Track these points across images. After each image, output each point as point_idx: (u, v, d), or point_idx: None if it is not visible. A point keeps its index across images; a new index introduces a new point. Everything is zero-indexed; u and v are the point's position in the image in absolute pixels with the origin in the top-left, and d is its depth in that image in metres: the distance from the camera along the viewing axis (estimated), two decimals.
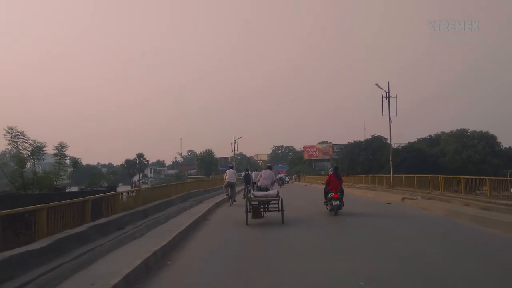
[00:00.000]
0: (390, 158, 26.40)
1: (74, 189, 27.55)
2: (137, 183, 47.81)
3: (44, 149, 20.42)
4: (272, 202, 11.43)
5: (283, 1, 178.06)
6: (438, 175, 17.51)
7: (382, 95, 24.25)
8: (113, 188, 19.77)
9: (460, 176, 15.90)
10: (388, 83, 24.50)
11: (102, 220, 8.85)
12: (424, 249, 7.58)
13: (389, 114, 24.54)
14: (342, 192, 13.55)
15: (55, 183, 21.08)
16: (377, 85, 24.17)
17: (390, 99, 24.18)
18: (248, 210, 11.08)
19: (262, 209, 11.57)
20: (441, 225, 10.74)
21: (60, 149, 24.30)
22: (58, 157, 23.76)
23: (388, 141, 64.46)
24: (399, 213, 13.63)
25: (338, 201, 13.01)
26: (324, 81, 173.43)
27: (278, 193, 11.38)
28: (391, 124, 24.75)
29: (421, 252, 7.27)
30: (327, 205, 13.65)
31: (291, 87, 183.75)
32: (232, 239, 9.10)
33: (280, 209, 10.91)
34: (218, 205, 17.58)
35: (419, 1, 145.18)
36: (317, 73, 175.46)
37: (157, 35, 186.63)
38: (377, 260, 6.57)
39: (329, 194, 13.38)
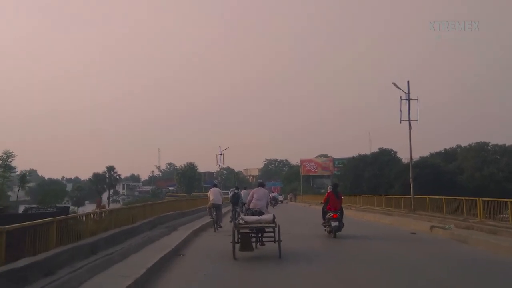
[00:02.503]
0: (411, 175, 24.89)
1: (23, 208, 25.25)
2: (102, 202, 45.41)
3: None
4: (267, 230, 10.44)
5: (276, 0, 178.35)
6: (476, 198, 15.77)
7: (400, 97, 22.79)
8: (66, 210, 17.69)
9: (508, 200, 14.17)
10: (408, 82, 23.01)
11: (21, 263, 6.80)
12: None
13: (409, 120, 23.00)
14: (341, 212, 13.78)
15: None
16: (394, 84, 22.70)
17: (410, 102, 22.50)
18: (236, 240, 10.07)
19: (254, 239, 10.62)
20: (498, 268, 8.87)
21: (5, 160, 22.22)
22: (1, 169, 21.70)
23: (399, 155, 64.88)
24: (433, 248, 11.82)
25: (338, 222, 13.25)
26: (323, 86, 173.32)
27: (274, 218, 10.24)
28: (411, 132, 23.15)
29: None
30: (325, 227, 13.89)
31: (285, 93, 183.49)
32: (213, 284, 7.82)
33: (276, 239, 9.99)
34: (198, 232, 15.89)
35: (426, 2, 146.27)
36: (315, 78, 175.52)
37: (134, 31, 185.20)
38: None
39: (328, 214, 13.60)
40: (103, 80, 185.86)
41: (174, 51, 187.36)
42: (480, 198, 15.58)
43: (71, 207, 63.49)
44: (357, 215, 24.77)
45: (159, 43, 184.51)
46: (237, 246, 10.05)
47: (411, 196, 22.89)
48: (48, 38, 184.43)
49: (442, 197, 19.43)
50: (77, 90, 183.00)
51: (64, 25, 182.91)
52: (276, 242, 9.96)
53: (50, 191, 39.98)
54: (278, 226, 10.03)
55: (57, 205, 22.48)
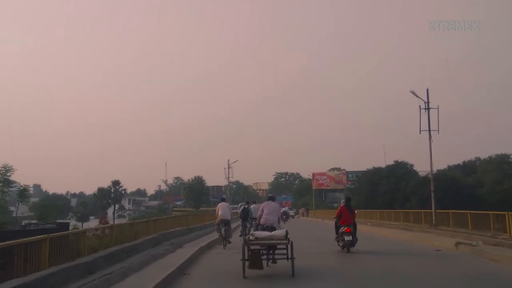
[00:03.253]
0: (432, 188, 24.21)
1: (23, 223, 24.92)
2: (105, 217, 44.93)
3: None
4: (279, 246, 10.13)
5: (286, 5, 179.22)
6: (505, 212, 15.06)
7: (419, 106, 22.25)
8: (66, 225, 17.23)
9: None
10: (428, 90, 22.49)
11: (7, 285, 6.35)
12: None
13: (429, 130, 22.40)
14: (355, 226, 13.93)
15: None
16: (412, 92, 22.27)
17: (430, 111, 21.98)
18: (246, 257, 9.71)
19: (266, 257, 10.27)
20: None
21: (4, 174, 21.98)
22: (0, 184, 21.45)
23: (415, 168, 63.97)
24: (462, 268, 11.09)
25: (351, 236, 13.38)
26: (336, 99, 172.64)
27: (287, 234, 9.94)
28: (431, 143, 22.51)
29: None
30: (338, 241, 14.03)
31: (296, 104, 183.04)
32: None
33: (289, 256, 9.64)
34: (205, 249, 15.42)
35: (440, 4, 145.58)
36: (328, 90, 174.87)
37: (142, 41, 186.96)
38: None
39: (341, 229, 13.75)
40: (109, 93, 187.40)
41: (182, 62, 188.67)
42: (510, 213, 14.86)
43: (75, 223, 63.46)
44: (373, 231, 24.26)
45: (167, 54, 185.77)
46: (247, 263, 9.70)
47: (433, 210, 22.19)
48: (49, 52, 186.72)
49: (467, 211, 18.72)
50: (82, 105, 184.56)
51: (69, 36, 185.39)
52: (289, 260, 9.61)
53: (50, 206, 39.56)
54: (291, 242, 9.70)
55: (58, 221, 22.05)
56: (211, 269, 11.35)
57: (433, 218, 21.67)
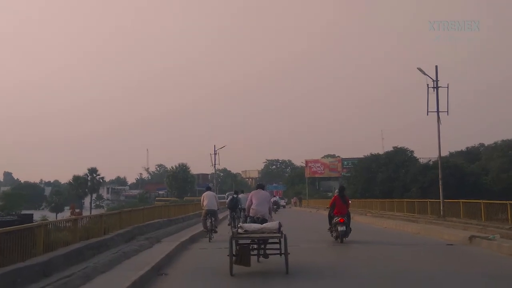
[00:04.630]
0: (440, 176, 23.64)
1: None
2: (80, 208, 43.64)
3: None
4: (271, 240, 9.74)
5: None
6: None
7: (427, 85, 21.40)
8: (29, 217, 16.26)
9: None
10: (436, 67, 21.61)
11: None
12: None
13: (438, 111, 21.62)
14: (348, 216, 14.40)
15: None
16: (420, 69, 21.43)
17: (438, 90, 21.15)
18: (234, 252, 9.30)
19: (256, 251, 9.94)
20: None
21: None
22: None
23: (416, 155, 63.69)
24: (482, 265, 10.37)
25: (345, 227, 13.87)
26: (329, 81, 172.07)
27: (280, 226, 9.46)
28: (440, 126, 21.73)
29: None
30: (331, 232, 14.52)
31: (288, 86, 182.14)
32: None
33: (282, 251, 9.25)
34: (187, 244, 14.56)
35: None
36: (320, 73, 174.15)
37: (121, 27, 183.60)
38: None
39: (334, 219, 14.20)
40: (84, 74, 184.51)
41: (165, 43, 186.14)
42: None
43: (47, 214, 62.26)
44: (375, 222, 23.73)
45: (149, 34, 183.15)
46: (234, 259, 9.26)
47: (440, 200, 21.56)
48: (29, 34, 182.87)
49: (480, 201, 18.13)
50: (58, 89, 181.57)
51: (46, 20, 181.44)
52: (282, 255, 9.21)
53: (16, 196, 38.29)
54: (285, 236, 9.26)
55: (23, 212, 21.00)
56: (193, 267, 10.61)
57: (441, 208, 21.05)
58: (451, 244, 13.73)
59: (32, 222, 12.54)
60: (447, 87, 21.35)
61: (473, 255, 11.74)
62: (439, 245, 13.95)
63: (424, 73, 21.33)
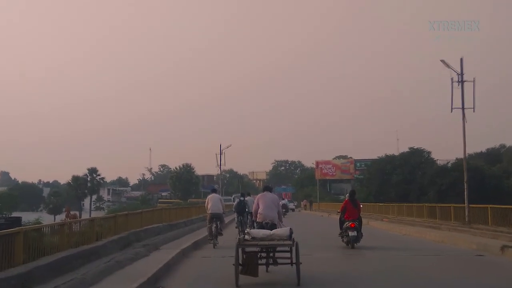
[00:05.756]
0: (465, 179, 22.90)
1: None
2: (80, 210, 43.17)
3: None
4: (281, 248, 9.41)
5: None
6: None
7: (451, 79, 20.60)
8: (17, 221, 15.62)
9: None
10: (462, 59, 20.78)
11: None
12: None
13: (463, 108, 20.84)
14: (360, 221, 14.71)
15: None
16: (443, 61, 20.58)
17: (463, 86, 20.35)
18: (240, 261, 8.99)
19: (265, 261, 9.59)
20: None
21: None
22: None
23: (433, 156, 62.89)
24: None
25: (356, 232, 14.17)
26: (341, 77, 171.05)
27: (291, 233, 9.15)
28: (465, 123, 20.92)
29: None
30: (342, 237, 14.88)
31: (298, 84, 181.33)
32: None
33: (294, 261, 8.92)
34: (188, 251, 14.03)
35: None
36: (332, 67, 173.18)
37: (123, 24, 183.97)
38: None
39: (345, 224, 14.54)
40: (86, 71, 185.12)
41: (170, 39, 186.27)
42: None
43: (46, 216, 61.86)
44: (392, 228, 23.13)
45: (152, 34, 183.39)
46: (241, 269, 8.95)
47: (465, 205, 20.79)
48: (27, 31, 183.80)
49: (510, 206, 17.36)
50: (58, 86, 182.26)
51: (44, 15, 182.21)
52: (294, 266, 8.87)
53: (5, 197, 37.85)
54: (297, 244, 8.95)
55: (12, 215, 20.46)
56: (194, 279, 10.12)
57: (466, 214, 20.28)
58: (481, 255, 13.00)
59: (21, 226, 11.99)
60: (473, 82, 20.62)
61: (508, 268, 11.05)
62: (467, 255, 13.23)
63: (448, 66, 20.53)
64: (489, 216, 18.64)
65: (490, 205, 19.17)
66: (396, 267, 11.00)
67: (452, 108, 21.00)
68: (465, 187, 22.29)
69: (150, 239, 14.92)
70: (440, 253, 13.77)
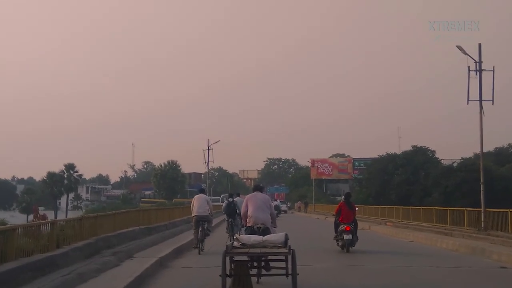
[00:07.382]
0: (481, 180, 22.14)
1: None
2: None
3: None
4: (274, 257, 9.08)
5: None
6: None
7: (468, 67, 19.67)
8: None
9: None
10: (480, 45, 19.78)
11: None
12: None
13: (480, 100, 19.87)
14: (355, 224, 15.36)
15: None
16: (459, 47, 19.67)
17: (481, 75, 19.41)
18: (228, 272, 8.61)
19: (257, 270, 9.34)
20: None
21: None
22: None
23: (437, 155, 62.42)
24: None
25: (351, 235, 14.75)
26: (340, 72, 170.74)
27: (286, 239, 8.81)
28: (482, 117, 20.04)
29: None
30: (337, 241, 15.42)
31: (292, 79, 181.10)
32: None
33: (289, 271, 8.52)
34: (167, 260, 13.17)
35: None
36: (330, 63, 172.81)
37: (103, 7, 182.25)
38: None
39: (340, 227, 15.14)
40: (63, 62, 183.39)
41: (156, 33, 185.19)
42: None
43: (18, 216, 60.57)
44: (397, 234, 22.53)
45: (137, 25, 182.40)
46: (229, 281, 8.55)
47: (482, 209, 19.96)
48: (8, 21, 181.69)
49: None
50: (36, 78, 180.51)
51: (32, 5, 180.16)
52: (290, 277, 8.50)
53: None
54: (293, 252, 8.52)
55: None
56: None
57: (482, 219, 19.47)
58: (505, 267, 12.27)
59: None
60: (493, 70, 19.74)
61: None
62: (490, 267, 12.51)
63: (465, 53, 19.60)
64: (509, 222, 17.82)
65: (510, 210, 18.37)
66: (407, 280, 10.50)
67: (468, 100, 20.15)
68: (481, 189, 21.55)
69: (123, 245, 13.94)
70: (457, 264, 13.07)
